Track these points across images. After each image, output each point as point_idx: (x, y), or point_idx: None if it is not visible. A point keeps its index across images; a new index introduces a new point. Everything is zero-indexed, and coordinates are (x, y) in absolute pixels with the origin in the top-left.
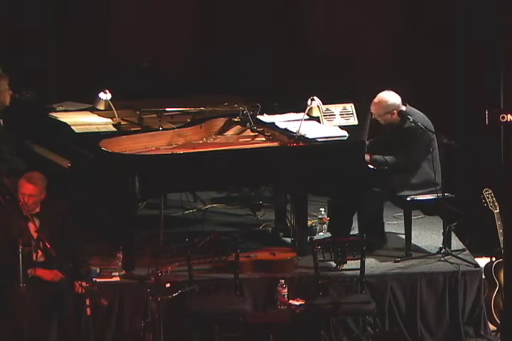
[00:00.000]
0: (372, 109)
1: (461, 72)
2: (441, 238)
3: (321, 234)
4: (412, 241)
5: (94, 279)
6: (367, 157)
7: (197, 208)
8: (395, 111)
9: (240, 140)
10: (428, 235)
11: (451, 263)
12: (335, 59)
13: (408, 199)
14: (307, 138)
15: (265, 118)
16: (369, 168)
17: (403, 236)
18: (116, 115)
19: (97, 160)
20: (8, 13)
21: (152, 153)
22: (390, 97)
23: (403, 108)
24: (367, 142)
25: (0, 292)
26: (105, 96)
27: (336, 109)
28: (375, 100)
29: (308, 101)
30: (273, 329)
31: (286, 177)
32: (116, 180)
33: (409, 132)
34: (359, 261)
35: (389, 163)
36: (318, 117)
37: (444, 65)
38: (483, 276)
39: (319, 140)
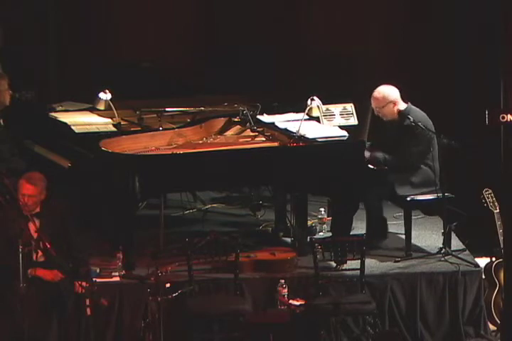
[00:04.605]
0: (373, 103)
1: (461, 72)
2: (441, 238)
3: (321, 234)
4: (412, 241)
5: (94, 279)
6: (367, 154)
7: (197, 208)
8: (396, 102)
9: (240, 140)
10: (428, 235)
11: (451, 263)
12: (335, 59)
13: (408, 199)
14: (307, 138)
15: (265, 118)
16: (369, 167)
17: (403, 236)
18: (116, 115)
19: (96, 160)
20: (8, 13)
21: (152, 153)
22: (388, 89)
23: (404, 105)
24: (368, 143)
25: (0, 292)
26: (105, 96)
27: (336, 109)
28: (374, 94)
29: (308, 101)
30: (273, 329)
31: (286, 177)
32: (116, 180)
33: (409, 130)
34: (359, 261)
35: (389, 161)
36: (318, 117)
37: (444, 64)
38: (483, 276)
39: (319, 140)
